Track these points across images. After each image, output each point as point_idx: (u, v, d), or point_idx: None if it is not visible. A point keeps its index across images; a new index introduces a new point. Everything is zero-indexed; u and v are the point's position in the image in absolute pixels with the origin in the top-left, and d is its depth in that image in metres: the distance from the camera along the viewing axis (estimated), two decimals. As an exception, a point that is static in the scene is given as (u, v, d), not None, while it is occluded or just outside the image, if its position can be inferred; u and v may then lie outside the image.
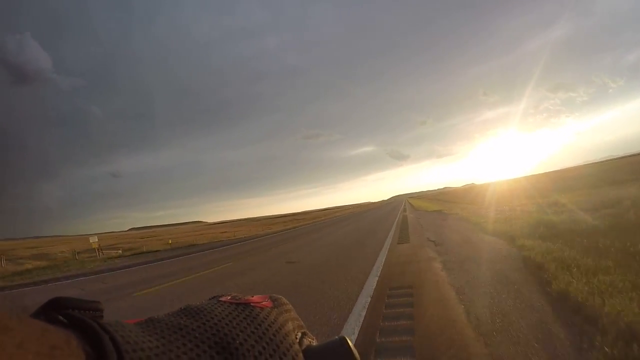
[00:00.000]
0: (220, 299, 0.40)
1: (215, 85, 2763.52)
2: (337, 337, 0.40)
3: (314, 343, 0.40)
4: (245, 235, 33.69)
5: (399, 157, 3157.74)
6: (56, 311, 0.40)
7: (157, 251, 24.96)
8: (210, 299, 0.40)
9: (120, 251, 28.13)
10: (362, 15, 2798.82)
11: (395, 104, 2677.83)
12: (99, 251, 26.98)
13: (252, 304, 0.40)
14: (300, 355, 0.40)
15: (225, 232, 49.38)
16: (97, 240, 29.06)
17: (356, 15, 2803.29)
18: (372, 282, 5.63)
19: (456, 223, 13.86)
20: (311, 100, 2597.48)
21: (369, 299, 4.65)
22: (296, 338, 0.40)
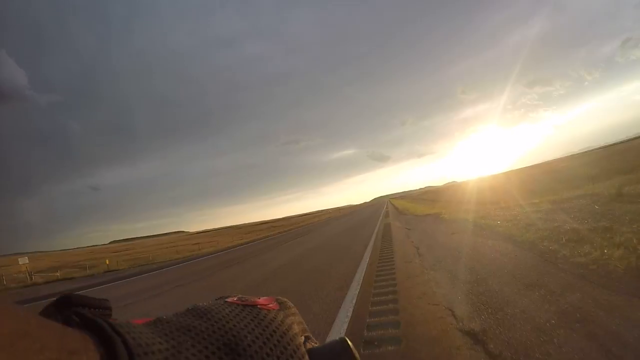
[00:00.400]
0: (227, 299, 0.40)
1: (195, 95, 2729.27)
2: (337, 338, 0.40)
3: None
4: (211, 249, 29.79)
5: (380, 159, 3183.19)
6: (67, 309, 0.40)
7: (91, 275, 20.72)
8: (216, 299, 0.40)
9: (58, 273, 23.72)
10: (339, 20, 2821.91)
11: (376, 106, 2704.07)
12: (29, 275, 22.66)
13: (259, 305, 0.40)
14: (307, 358, 0.40)
15: (198, 243, 46.94)
16: (27, 261, 24.65)
17: (333, 20, 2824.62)
18: None
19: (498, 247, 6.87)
20: (291, 106, 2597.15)
21: None
22: (302, 340, 0.40)
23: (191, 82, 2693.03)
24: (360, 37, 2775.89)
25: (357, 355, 0.40)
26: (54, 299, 0.40)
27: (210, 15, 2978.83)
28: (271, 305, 0.40)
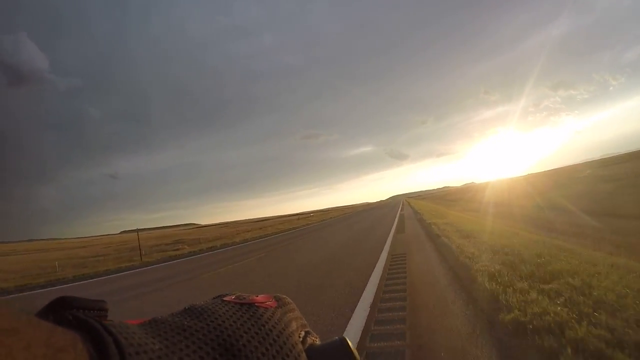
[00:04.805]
0: (224, 298, 0.40)
1: (213, 85, 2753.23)
2: (337, 337, 0.40)
3: (317, 342, 0.40)
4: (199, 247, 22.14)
5: (398, 157, 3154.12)
6: (62, 310, 0.40)
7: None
8: (214, 298, 0.40)
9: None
10: (361, 14, 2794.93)
11: (396, 104, 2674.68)
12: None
13: (256, 304, 0.40)
14: (303, 355, 0.40)
15: (200, 236, 42.10)
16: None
17: (355, 13, 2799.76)
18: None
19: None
20: (310, 100, 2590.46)
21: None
22: (299, 337, 0.40)
23: (209, 72, 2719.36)
24: (382, 33, 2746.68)
25: (356, 354, 0.40)
26: (49, 301, 0.40)
27: (228, 4, 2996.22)
28: (269, 303, 0.40)
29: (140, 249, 19.48)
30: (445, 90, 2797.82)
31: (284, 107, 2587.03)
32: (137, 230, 22.79)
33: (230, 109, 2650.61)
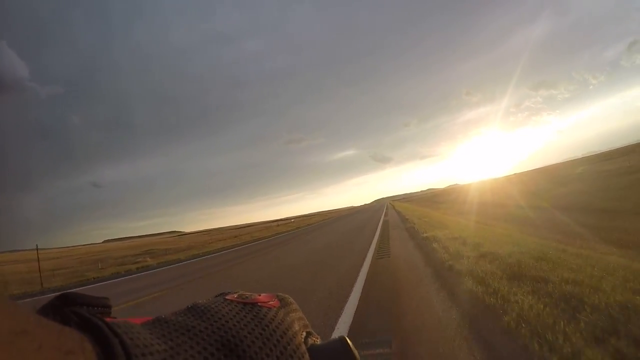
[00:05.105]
0: (227, 297, 0.40)
1: (197, 91, 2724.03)
2: (337, 337, 0.40)
3: (318, 342, 0.40)
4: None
5: (382, 160, 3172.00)
6: (65, 308, 0.40)
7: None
8: (216, 296, 0.40)
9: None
10: (343, 18, 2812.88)
11: (379, 106, 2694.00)
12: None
13: (259, 303, 0.40)
14: (307, 356, 0.40)
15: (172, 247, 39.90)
16: None
17: (336, 17, 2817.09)
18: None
19: None
20: (293, 105, 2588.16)
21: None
22: (302, 339, 0.40)
23: (192, 79, 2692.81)
24: (363, 37, 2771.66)
25: (356, 354, 0.39)
26: (53, 297, 0.39)
27: (210, 11, 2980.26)
28: (272, 302, 0.39)
29: (40, 272, 14.84)
30: (428, 92, 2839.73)
31: (268, 112, 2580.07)
32: (37, 248, 17.92)
33: (215, 115, 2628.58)
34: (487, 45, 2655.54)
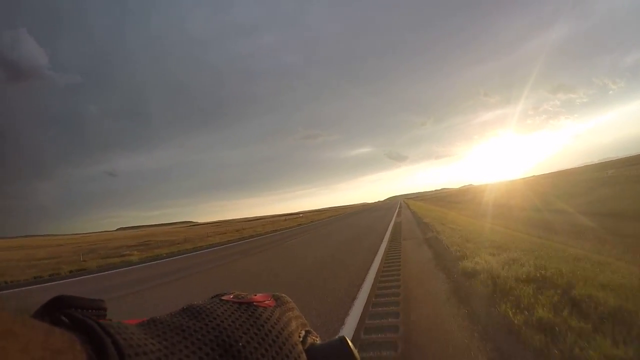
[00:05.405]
0: (223, 297, 0.39)
1: (212, 83, 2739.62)
2: (337, 337, 0.39)
3: (318, 341, 0.40)
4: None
5: (397, 158, 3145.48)
6: (59, 310, 0.39)
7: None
8: (212, 297, 0.39)
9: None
10: (362, 14, 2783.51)
11: (395, 105, 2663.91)
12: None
13: (254, 303, 0.39)
14: (304, 355, 0.39)
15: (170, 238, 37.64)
16: None
17: (355, 13, 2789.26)
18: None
19: None
20: (310, 100, 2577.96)
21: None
22: (299, 337, 0.39)
23: (208, 70, 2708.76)
24: (381, 35, 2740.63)
25: (356, 354, 0.39)
26: (46, 301, 0.39)
27: (228, 3, 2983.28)
28: (267, 302, 0.39)
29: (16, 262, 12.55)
30: (445, 92, 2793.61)
31: (284, 107, 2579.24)
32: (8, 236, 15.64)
33: (230, 108, 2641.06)
34: (505, 47, 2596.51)
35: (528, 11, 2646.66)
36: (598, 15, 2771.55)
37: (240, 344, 0.39)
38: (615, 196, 23.65)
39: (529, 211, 22.50)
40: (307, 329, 0.39)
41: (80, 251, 32.27)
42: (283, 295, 0.39)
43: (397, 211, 33.21)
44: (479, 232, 9.77)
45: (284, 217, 75.18)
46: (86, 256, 22.24)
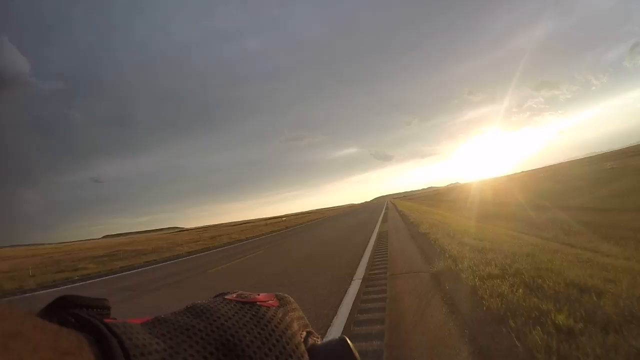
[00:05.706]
0: (226, 297, 0.40)
1: (198, 89, 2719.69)
2: (337, 337, 0.40)
3: (319, 342, 0.40)
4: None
5: (383, 158, 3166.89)
6: (63, 310, 0.40)
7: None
8: (215, 296, 0.40)
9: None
10: (346, 17, 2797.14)
11: (381, 105, 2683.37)
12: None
13: (258, 302, 0.40)
14: (306, 356, 0.40)
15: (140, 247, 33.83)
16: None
17: (339, 16, 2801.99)
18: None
19: None
20: (295, 103, 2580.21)
21: None
22: (301, 338, 0.40)
23: (193, 76, 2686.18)
24: (365, 36, 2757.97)
25: (356, 354, 0.40)
26: (50, 301, 0.40)
27: (211, 8, 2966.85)
28: (271, 301, 0.39)
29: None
30: (430, 91, 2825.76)
31: (269, 110, 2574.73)
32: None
33: (216, 112, 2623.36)
34: (489, 46, 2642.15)
35: (511, 9, 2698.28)
36: (580, 12, 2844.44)
37: (244, 343, 0.39)
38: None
39: (540, 209, 18.58)
40: (308, 329, 0.39)
41: (46, 263, 28.16)
42: (286, 295, 0.39)
43: (382, 214, 28.37)
44: (515, 252, 5.39)
45: (264, 222, 71.30)
46: (44, 269, 19.42)
